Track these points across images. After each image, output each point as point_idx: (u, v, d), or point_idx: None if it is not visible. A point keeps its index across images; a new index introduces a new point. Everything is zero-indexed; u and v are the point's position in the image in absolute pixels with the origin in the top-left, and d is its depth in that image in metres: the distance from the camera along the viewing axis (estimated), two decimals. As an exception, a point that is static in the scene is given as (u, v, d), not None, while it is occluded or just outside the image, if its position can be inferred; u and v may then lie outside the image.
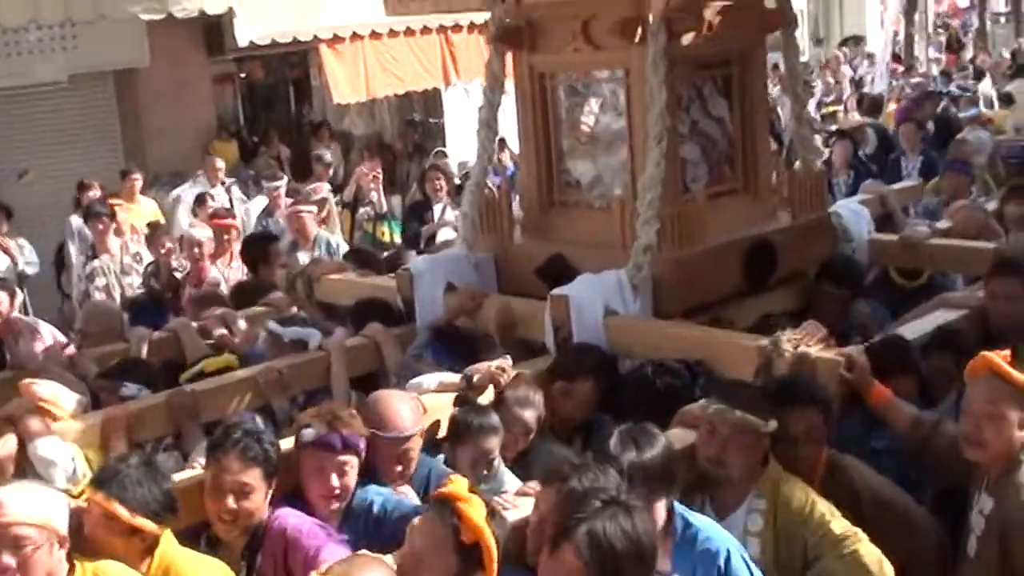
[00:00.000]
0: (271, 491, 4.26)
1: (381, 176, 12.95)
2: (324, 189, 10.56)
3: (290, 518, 4.22)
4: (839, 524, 4.10)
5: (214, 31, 14.86)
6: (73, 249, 11.27)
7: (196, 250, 8.70)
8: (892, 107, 16.31)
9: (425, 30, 15.85)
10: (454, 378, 5.12)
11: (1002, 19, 33.92)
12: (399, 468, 4.54)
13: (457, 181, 12.37)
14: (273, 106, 18.12)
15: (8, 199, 12.62)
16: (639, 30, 5.83)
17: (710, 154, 6.38)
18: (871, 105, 15.50)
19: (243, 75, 17.14)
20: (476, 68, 16.08)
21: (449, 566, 3.44)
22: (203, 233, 8.96)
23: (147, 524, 3.90)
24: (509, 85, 6.61)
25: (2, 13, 12.47)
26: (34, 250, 11.68)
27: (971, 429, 4.11)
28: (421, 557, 3.46)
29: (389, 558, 3.54)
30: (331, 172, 14.36)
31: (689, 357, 5.17)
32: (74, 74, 14.28)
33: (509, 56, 6.53)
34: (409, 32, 15.77)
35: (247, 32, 14.09)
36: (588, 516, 3.17)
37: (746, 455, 4.19)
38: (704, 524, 3.98)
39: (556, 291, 5.61)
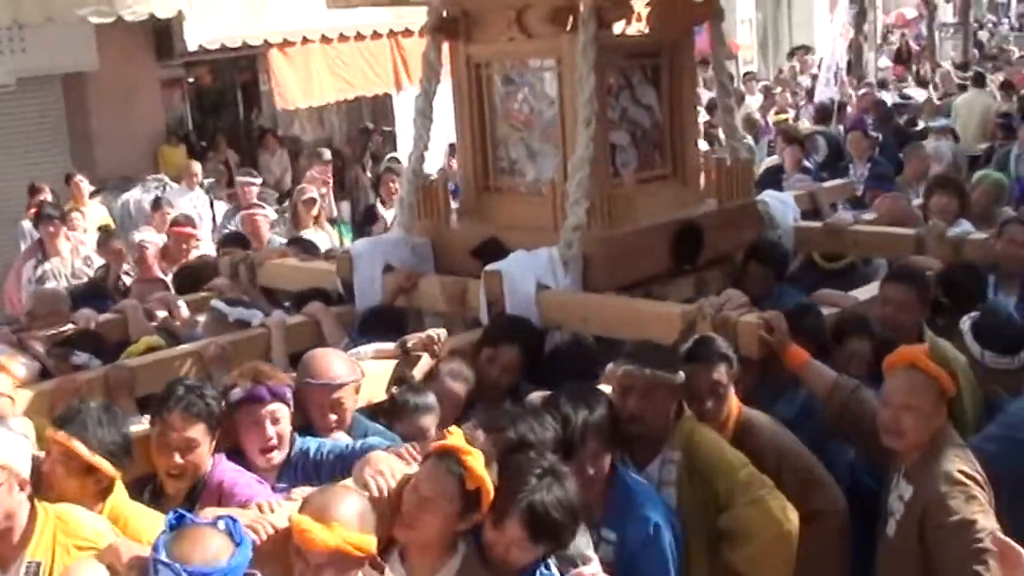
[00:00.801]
0: (214, 443, 4.41)
1: (331, 181, 13.01)
2: (312, 190, 10.53)
3: (228, 472, 4.36)
4: (746, 472, 4.31)
5: (163, 35, 14.85)
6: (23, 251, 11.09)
7: (139, 253, 8.57)
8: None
9: (375, 35, 15.83)
10: (389, 346, 5.31)
11: (950, 30, 34.33)
12: (333, 417, 4.71)
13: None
14: (221, 111, 18.04)
15: None
16: (571, 18, 6.06)
17: (639, 140, 6.63)
18: (821, 113, 15.75)
19: (192, 80, 17.08)
20: (428, 72, 16.52)
21: (454, 510, 3.63)
22: (151, 236, 8.90)
23: (104, 464, 4.03)
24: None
25: (-50, 16, 12.42)
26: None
27: (890, 419, 4.30)
28: (426, 504, 3.63)
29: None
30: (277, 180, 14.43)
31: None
32: (21, 77, 14.22)
33: (445, 47, 6.74)
34: (359, 37, 15.73)
35: (196, 36, 14.05)
36: (528, 491, 3.60)
37: (660, 409, 4.39)
38: (644, 491, 4.21)
39: (490, 267, 5.82)
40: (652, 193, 6.54)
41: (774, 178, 10.38)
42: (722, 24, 7.00)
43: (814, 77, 20.04)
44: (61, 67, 14.46)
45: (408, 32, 15.83)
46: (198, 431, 4.34)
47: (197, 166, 13.34)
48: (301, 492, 3.75)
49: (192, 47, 14.17)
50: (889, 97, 19.40)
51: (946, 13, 35.93)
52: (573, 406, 4.10)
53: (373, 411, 5.09)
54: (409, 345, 5.26)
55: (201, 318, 6.54)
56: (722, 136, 8.03)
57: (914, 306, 5.58)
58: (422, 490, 3.65)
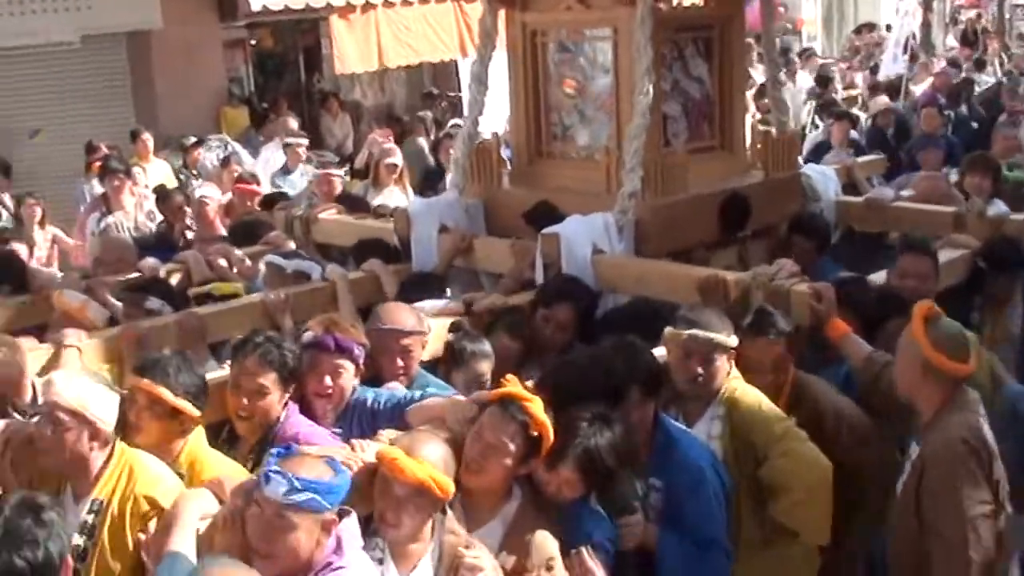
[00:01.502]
0: (287, 395, 4.63)
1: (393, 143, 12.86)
2: (396, 153, 10.55)
3: (303, 425, 4.58)
4: (782, 426, 4.54)
5: None
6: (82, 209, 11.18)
7: (199, 209, 8.72)
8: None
9: (439, 0, 15.76)
10: (454, 304, 5.53)
11: (1020, 11, 33.02)
12: (400, 364, 4.94)
13: None
14: (282, 74, 17.97)
15: (19, 158, 12.77)
16: (629, -9, 6.24)
17: (689, 111, 6.82)
18: (887, 90, 15.69)
19: (253, 42, 16.99)
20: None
21: (517, 456, 3.84)
22: (211, 192, 9.05)
23: (187, 406, 4.27)
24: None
25: (16, -28, 12.44)
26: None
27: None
28: (490, 450, 3.82)
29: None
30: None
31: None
32: (86, 35, 14.18)
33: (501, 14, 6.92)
34: (423, 1, 15.73)
35: None
36: (582, 436, 3.86)
37: (719, 371, 4.62)
38: (687, 439, 4.42)
39: (547, 230, 6.01)
40: (701, 163, 6.72)
41: (819, 154, 10.51)
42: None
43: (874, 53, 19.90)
44: (125, 25, 14.42)
45: (472, -3, 15.67)
46: (270, 379, 4.54)
47: (302, 147, 12.46)
48: (388, 435, 3.98)
49: (256, 7, 14.18)
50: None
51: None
52: (617, 358, 4.30)
53: (432, 365, 5.32)
54: (474, 306, 5.46)
55: (261, 267, 6.76)
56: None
57: (929, 276, 5.78)
58: (487, 437, 3.84)
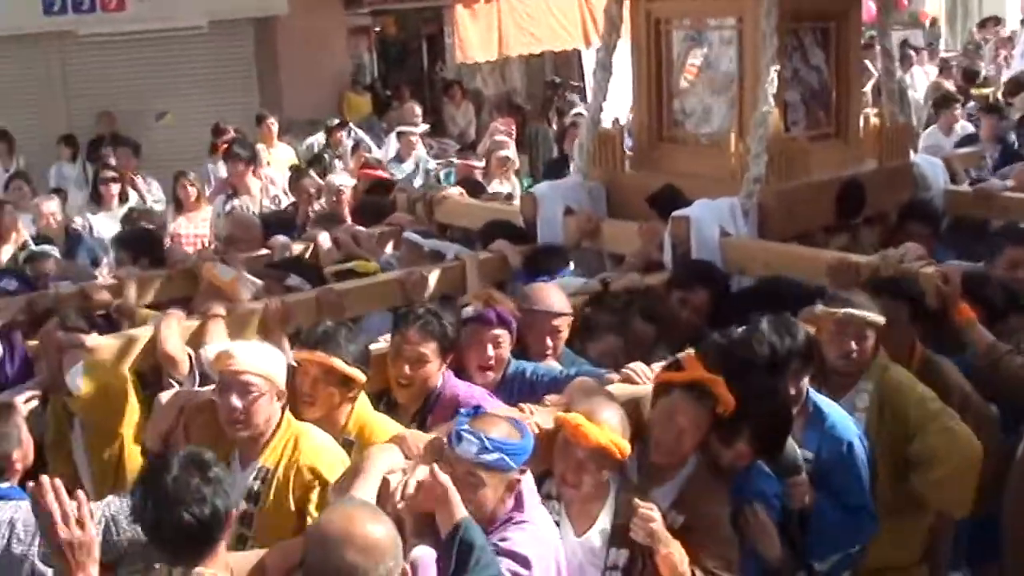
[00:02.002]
0: (445, 364, 4.88)
1: (515, 133, 13.03)
2: (510, 146, 10.73)
3: (461, 386, 4.86)
4: (937, 404, 4.76)
5: None
6: (208, 191, 11.20)
7: (336, 197, 8.80)
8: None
9: None
10: (592, 282, 5.76)
11: None
12: (550, 343, 5.19)
13: None
14: (405, 62, 18.22)
15: (145, 139, 13.10)
16: (757, -19, 6.42)
17: (808, 100, 7.00)
18: (1014, 87, 15.48)
19: (377, 29, 17.24)
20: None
21: (705, 432, 4.08)
22: (345, 180, 9.23)
23: (358, 374, 4.54)
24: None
25: (147, -42, 12.79)
26: (161, 189, 11.74)
27: None
28: (683, 435, 4.04)
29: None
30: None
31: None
32: (213, 20, 14.60)
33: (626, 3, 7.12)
34: None
35: None
36: (753, 413, 4.07)
37: (870, 347, 4.82)
38: (835, 411, 4.63)
39: (677, 212, 6.21)
40: (818, 150, 6.89)
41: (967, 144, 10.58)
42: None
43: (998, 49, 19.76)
44: (252, 11, 14.82)
45: (596, -14, 15.68)
46: (430, 348, 4.80)
47: (415, 135, 12.53)
48: (552, 399, 4.21)
49: None
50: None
51: None
52: (778, 334, 4.52)
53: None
54: (612, 286, 5.68)
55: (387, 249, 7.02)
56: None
57: None
58: (679, 422, 4.05)
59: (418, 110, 14.08)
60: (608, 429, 3.82)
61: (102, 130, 14.24)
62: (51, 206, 9.08)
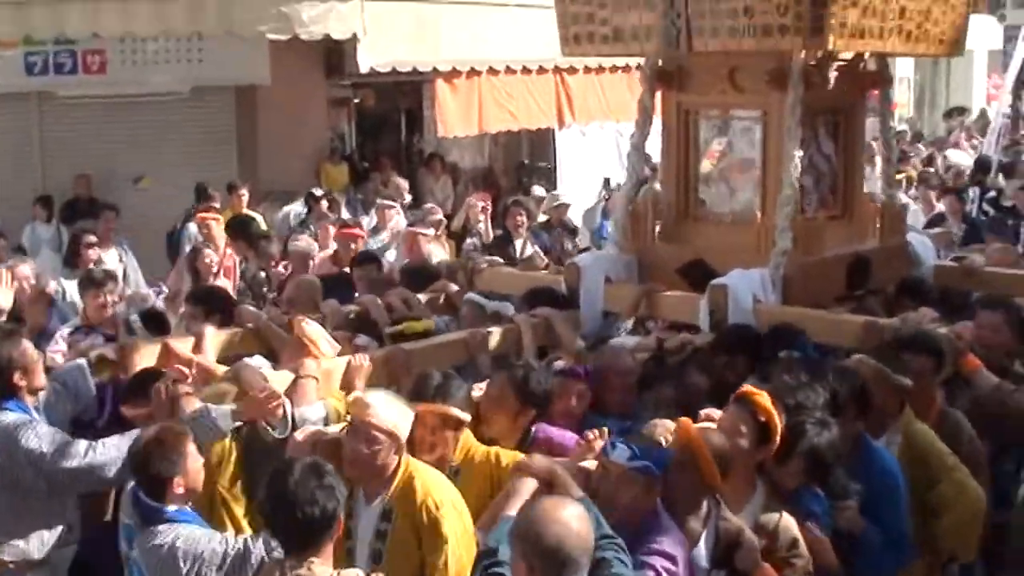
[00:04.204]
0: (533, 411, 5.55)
1: (491, 208, 13.58)
2: (439, 212, 11.43)
3: (553, 431, 5.53)
4: (953, 459, 5.61)
5: (334, 55, 15.44)
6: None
7: (302, 262, 9.46)
8: None
9: (541, 70, 16.37)
10: (647, 340, 6.47)
11: None
12: (626, 399, 5.91)
13: (543, 217, 13.22)
14: (383, 134, 18.52)
15: (122, 202, 13.37)
16: (782, 78, 7.21)
17: (819, 184, 7.79)
18: (981, 168, 16.61)
19: (357, 100, 17.48)
20: (592, 110, 16.81)
21: (752, 440, 4.82)
22: (310, 246, 9.86)
23: (468, 417, 5.22)
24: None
25: (133, 22, 13.24)
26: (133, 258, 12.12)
27: None
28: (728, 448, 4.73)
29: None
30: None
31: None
32: (196, 86, 14.80)
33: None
34: (525, 71, 16.29)
35: (369, 58, 14.39)
36: (809, 437, 4.86)
37: (895, 402, 5.66)
38: (883, 452, 5.44)
39: (716, 281, 6.96)
40: (829, 229, 7.68)
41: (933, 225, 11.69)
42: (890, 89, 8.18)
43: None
44: (235, 79, 14.99)
45: (572, 69, 16.34)
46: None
47: (392, 208, 13.09)
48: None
49: (364, 69, 14.51)
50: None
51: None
52: (839, 381, 5.36)
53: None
54: (667, 344, 6.40)
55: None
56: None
57: (1001, 329, 6.62)
58: (724, 427, 4.80)
59: (405, 184, 14.72)
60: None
61: (78, 192, 14.50)
62: (25, 270, 9.09)
